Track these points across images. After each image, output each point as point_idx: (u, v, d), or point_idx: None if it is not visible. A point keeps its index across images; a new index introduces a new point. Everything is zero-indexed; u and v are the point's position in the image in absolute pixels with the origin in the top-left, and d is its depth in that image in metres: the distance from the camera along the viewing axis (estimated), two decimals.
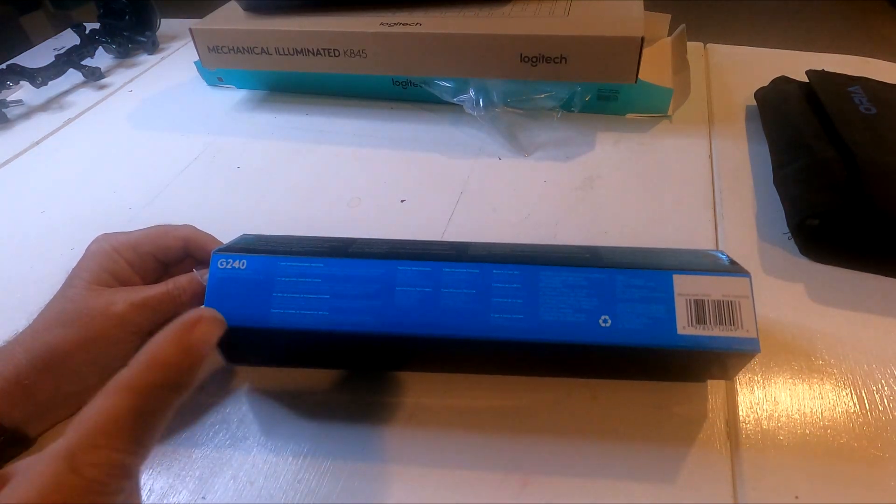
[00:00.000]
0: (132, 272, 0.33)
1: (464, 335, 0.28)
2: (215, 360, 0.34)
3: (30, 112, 0.62)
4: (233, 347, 0.31)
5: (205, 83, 0.65)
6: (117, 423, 0.17)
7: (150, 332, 0.35)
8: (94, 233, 0.34)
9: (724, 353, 0.27)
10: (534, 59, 0.48)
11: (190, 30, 0.54)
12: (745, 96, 0.57)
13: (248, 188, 0.50)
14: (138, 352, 0.19)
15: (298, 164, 0.52)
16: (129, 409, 0.17)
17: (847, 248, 0.40)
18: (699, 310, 0.27)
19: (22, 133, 0.59)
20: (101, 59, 0.72)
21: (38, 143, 0.57)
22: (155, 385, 0.18)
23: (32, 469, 0.16)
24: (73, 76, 0.67)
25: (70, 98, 0.65)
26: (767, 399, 0.32)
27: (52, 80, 0.65)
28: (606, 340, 0.27)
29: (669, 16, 0.63)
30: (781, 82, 0.54)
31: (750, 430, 0.31)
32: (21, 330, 0.30)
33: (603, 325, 0.27)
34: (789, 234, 0.42)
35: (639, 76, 0.47)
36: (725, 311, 0.27)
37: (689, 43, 0.61)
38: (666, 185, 0.47)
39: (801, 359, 0.34)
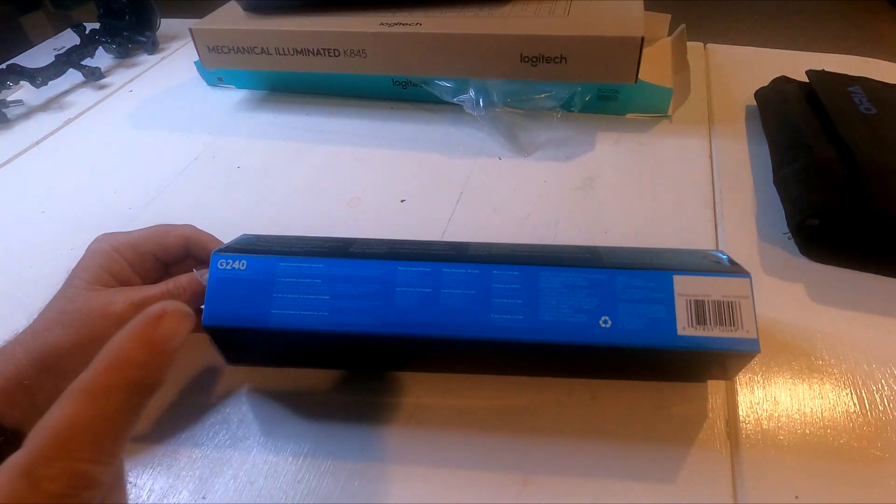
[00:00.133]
0: (132, 272, 0.33)
1: (464, 335, 0.28)
2: (216, 360, 0.34)
3: (30, 112, 0.62)
4: (233, 348, 0.31)
5: (205, 83, 0.65)
6: (76, 430, 0.16)
7: None
8: (94, 233, 0.34)
9: (724, 354, 0.27)
10: (534, 59, 0.48)
11: (190, 30, 0.54)
12: (745, 96, 0.57)
13: (248, 188, 0.50)
14: (99, 351, 0.17)
15: (298, 164, 0.52)
16: (89, 416, 0.16)
17: (847, 248, 0.40)
18: (699, 310, 0.27)
19: (22, 133, 0.59)
20: (101, 59, 0.72)
21: (38, 143, 0.57)
22: (117, 387, 0.16)
23: None
24: (73, 76, 0.67)
25: (70, 98, 0.65)
26: (767, 399, 0.32)
27: (52, 80, 0.65)
28: (606, 341, 0.27)
29: (669, 16, 0.63)
30: (781, 82, 0.54)
31: (750, 430, 0.31)
32: (21, 330, 0.30)
33: (603, 325, 0.27)
34: (789, 234, 0.42)
35: (639, 76, 0.47)
36: (725, 312, 0.27)
37: (689, 43, 0.61)
38: (666, 184, 0.47)
39: (801, 359, 0.34)
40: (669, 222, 0.44)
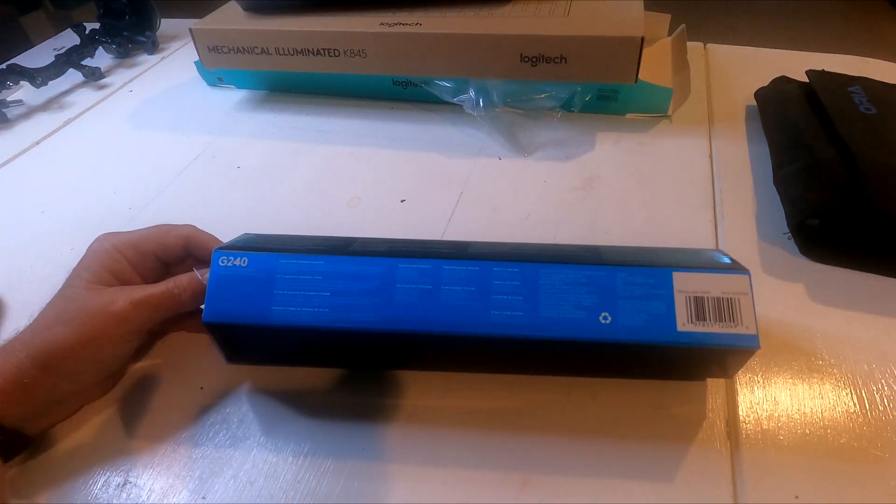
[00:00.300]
0: (133, 271, 0.33)
1: (464, 332, 0.28)
2: (216, 359, 0.34)
3: (30, 112, 0.62)
4: (233, 346, 0.31)
5: (205, 83, 0.65)
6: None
7: (151, 331, 0.35)
8: (93, 233, 0.34)
9: (723, 350, 0.27)
10: (534, 59, 0.48)
11: (190, 30, 0.54)
12: (745, 96, 0.57)
13: (248, 188, 0.50)
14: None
15: (298, 164, 0.52)
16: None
17: (847, 248, 0.40)
18: (699, 307, 0.27)
19: (22, 133, 0.59)
20: (101, 59, 0.72)
21: (38, 143, 0.57)
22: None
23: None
24: (73, 76, 0.67)
25: (70, 98, 0.65)
26: (767, 399, 0.32)
27: (52, 80, 0.65)
28: (606, 337, 0.27)
29: (669, 16, 0.63)
30: (781, 82, 0.54)
31: (750, 430, 0.31)
32: (22, 329, 0.30)
33: (603, 321, 0.27)
34: (789, 234, 0.42)
35: (639, 76, 0.47)
36: (725, 308, 0.27)
37: (689, 43, 0.61)
38: (666, 185, 0.47)
39: (801, 359, 0.34)
40: (669, 222, 0.44)
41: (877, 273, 0.39)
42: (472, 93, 0.53)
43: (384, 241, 0.33)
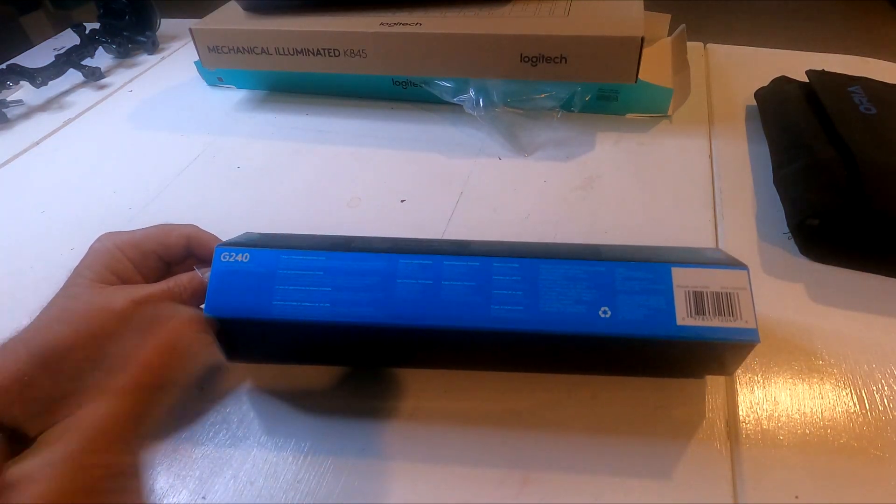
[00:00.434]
0: (135, 270, 0.33)
1: (465, 326, 0.28)
2: (216, 359, 0.34)
3: (30, 112, 0.62)
4: (234, 342, 0.31)
5: (205, 83, 0.65)
6: (116, 425, 0.18)
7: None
8: (93, 233, 0.34)
9: (723, 344, 0.27)
10: (534, 59, 0.48)
11: (190, 30, 0.54)
12: (745, 96, 0.57)
13: (248, 188, 0.50)
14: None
15: (298, 164, 0.52)
16: (126, 412, 0.18)
17: (847, 248, 0.40)
18: (698, 301, 0.27)
19: (22, 133, 0.59)
20: (101, 59, 0.72)
21: (38, 143, 0.57)
22: (137, 388, 0.19)
23: (39, 473, 0.18)
24: (73, 76, 0.67)
25: (70, 98, 0.65)
26: (767, 399, 0.32)
27: (52, 80, 0.65)
28: (606, 331, 0.27)
29: (669, 16, 0.63)
30: (781, 82, 0.54)
31: (750, 429, 0.31)
32: (22, 327, 0.30)
33: (603, 315, 0.27)
34: (789, 234, 0.42)
35: (639, 76, 0.47)
36: (724, 303, 0.27)
37: (689, 43, 0.61)
38: (666, 185, 0.47)
39: (801, 359, 0.34)
40: (669, 222, 0.44)
41: (877, 273, 0.39)
42: (472, 93, 0.53)
43: (385, 239, 0.33)
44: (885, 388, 0.32)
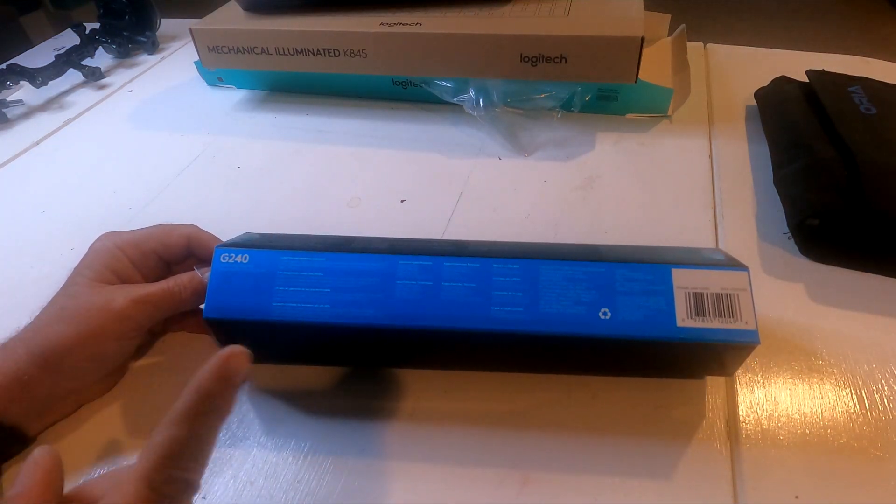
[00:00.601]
0: (135, 270, 0.33)
1: (465, 327, 0.28)
2: None
3: (30, 112, 0.62)
4: (234, 343, 0.31)
5: (205, 83, 0.65)
6: (181, 447, 0.20)
7: (151, 330, 0.35)
8: (93, 233, 0.34)
9: (723, 345, 0.27)
10: (534, 59, 0.48)
11: (190, 30, 0.54)
12: (745, 96, 0.57)
13: (248, 188, 0.50)
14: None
15: (298, 164, 0.52)
16: (188, 436, 0.20)
17: (847, 248, 0.40)
18: (698, 302, 0.27)
19: (22, 133, 0.59)
20: (101, 59, 0.72)
21: (38, 143, 0.57)
22: (201, 413, 0.21)
23: (117, 489, 0.20)
24: (73, 76, 0.67)
25: (70, 98, 0.65)
26: (767, 399, 0.32)
27: (52, 80, 0.65)
28: (606, 332, 0.27)
29: (669, 16, 0.63)
30: (781, 82, 0.54)
31: (750, 429, 0.31)
32: (22, 327, 0.30)
33: (603, 317, 0.27)
34: (789, 234, 0.42)
35: (639, 76, 0.47)
36: (724, 304, 0.27)
37: (689, 43, 0.61)
38: (666, 185, 0.47)
39: (801, 359, 0.34)
40: (669, 222, 0.44)
41: (877, 273, 0.39)
42: (472, 93, 0.53)
43: (385, 239, 0.33)
44: (885, 388, 0.32)
